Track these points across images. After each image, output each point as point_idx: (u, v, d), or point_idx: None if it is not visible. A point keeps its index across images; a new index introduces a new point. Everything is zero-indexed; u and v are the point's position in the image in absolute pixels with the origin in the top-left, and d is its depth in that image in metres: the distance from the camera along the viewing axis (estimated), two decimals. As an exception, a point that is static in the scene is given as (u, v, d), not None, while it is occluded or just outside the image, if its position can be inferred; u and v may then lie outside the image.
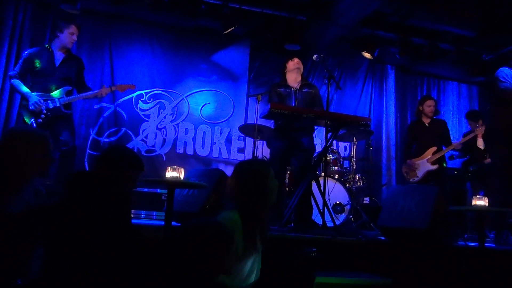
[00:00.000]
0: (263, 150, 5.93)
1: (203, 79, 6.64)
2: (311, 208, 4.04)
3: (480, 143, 5.29)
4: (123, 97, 6.20)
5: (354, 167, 5.36)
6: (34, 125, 4.04)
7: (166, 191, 2.87)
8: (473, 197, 3.27)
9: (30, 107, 4.04)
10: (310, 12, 6.10)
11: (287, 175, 4.94)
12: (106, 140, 6.10)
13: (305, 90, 4.38)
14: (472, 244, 3.89)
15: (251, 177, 2.14)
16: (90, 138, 6.03)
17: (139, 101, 6.32)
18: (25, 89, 4.12)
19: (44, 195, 2.24)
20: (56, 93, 4.18)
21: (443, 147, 5.27)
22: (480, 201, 3.26)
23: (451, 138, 5.49)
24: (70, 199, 2.05)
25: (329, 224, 3.97)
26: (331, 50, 6.85)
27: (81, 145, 5.87)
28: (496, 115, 4.39)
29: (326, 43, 6.59)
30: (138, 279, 1.98)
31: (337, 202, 4.89)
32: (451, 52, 6.69)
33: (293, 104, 4.27)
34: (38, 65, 4.18)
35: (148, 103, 6.36)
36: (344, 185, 5.00)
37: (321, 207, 3.82)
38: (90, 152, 5.99)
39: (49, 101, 4.12)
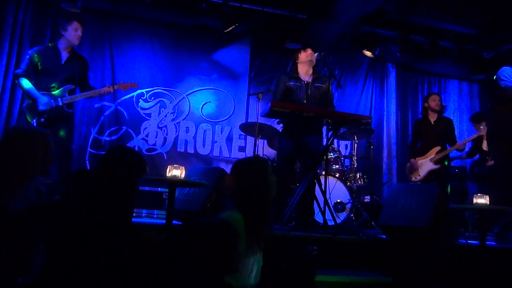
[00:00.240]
0: (264, 149, 5.93)
1: (204, 77, 6.64)
2: (313, 206, 4.03)
3: (485, 145, 5.29)
4: (124, 96, 6.20)
5: (355, 166, 5.36)
6: (35, 124, 4.04)
7: (167, 190, 2.88)
8: (474, 195, 3.27)
9: (41, 107, 4.04)
10: (310, 10, 6.09)
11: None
12: (107, 139, 6.10)
13: (317, 84, 4.29)
14: (473, 242, 3.89)
15: (249, 174, 2.14)
16: (91, 137, 6.04)
17: (140, 99, 6.32)
18: (32, 88, 4.11)
19: (44, 194, 2.24)
20: (57, 92, 4.18)
21: (448, 146, 5.26)
22: (481, 199, 3.26)
23: (456, 136, 5.46)
24: (72, 197, 2.05)
25: (330, 222, 3.97)
26: (332, 48, 6.84)
27: (82, 143, 5.88)
28: (497, 114, 4.42)
29: (327, 41, 6.58)
30: (140, 279, 1.98)
31: (338, 200, 4.89)
32: (452, 50, 6.68)
33: (303, 98, 4.19)
34: (43, 64, 4.18)
35: (149, 101, 6.36)
36: (345, 184, 5.00)
37: (322, 205, 3.82)
38: (91, 150, 5.99)
39: (52, 100, 4.12)
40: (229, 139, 6.61)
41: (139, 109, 6.31)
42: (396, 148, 7.25)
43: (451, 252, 3.44)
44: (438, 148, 5.21)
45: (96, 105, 6.11)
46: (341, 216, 4.83)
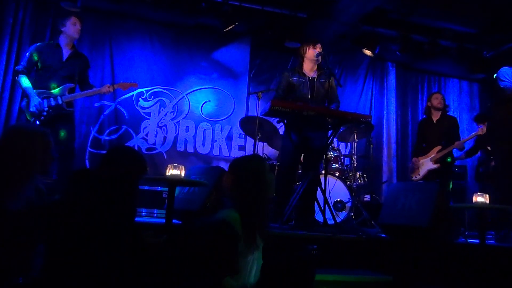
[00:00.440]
0: (264, 148, 5.93)
1: (203, 76, 6.64)
2: (313, 206, 4.03)
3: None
4: (123, 95, 6.20)
5: (355, 165, 5.36)
6: (38, 122, 4.04)
7: (167, 189, 2.88)
8: (474, 194, 3.27)
9: (31, 109, 4.04)
10: (310, 9, 6.09)
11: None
12: (107, 138, 6.10)
13: (322, 80, 4.23)
14: (473, 241, 3.90)
15: (247, 173, 2.13)
16: (91, 136, 6.03)
17: (140, 99, 6.32)
18: (29, 87, 4.10)
19: (44, 193, 2.24)
20: (56, 90, 4.17)
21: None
22: (481, 198, 3.26)
23: (460, 135, 5.42)
24: (72, 197, 2.05)
25: (330, 221, 3.97)
26: (331, 48, 6.83)
27: (81, 143, 5.88)
28: (497, 114, 4.45)
29: (327, 40, 6.57)
30: (140, 279, 1.98)
31: (338, 199, 4.89)
32: (452, 49, 6.68)
33: (307, 94, 4.14)
34: (43, 61, 4.18)
35: (148, 101, 6.36)
36: (345, 183, 5.00)
37: (322, 205, 3.82)
38: (90, 150, 5.99)
39: (51, 98, 4.11)
40: (229, 138, 6.61)
41: (138, 108, 6.31)
42: (396, 147, 7.25)
43: (451, 251, 3.44)
44: (439, 147, 5.20)
45: (96, 104, 6.11)
46: (341, 215, 4.83)
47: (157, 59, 6.48)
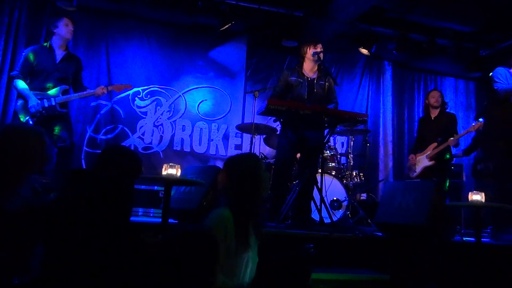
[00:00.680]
0: (260, 147, 5.93)
1: (200, 75, 6.63)
2: (310, 205, 4.03)
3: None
4: (120, 94, 6.19)
5: (351, 163, 5.36)
6: (31, 122, 4.04)
7: (163, 188, 2.87)
8: (470, 192, 3.27)
9: (31, 110, 4.04)
10: (307, 8, 6.09)
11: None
12: (103, 137, 6.09)
13: (321, 82, 4.20)
14: (469, 239, 3.91)
15: (241, 172, 2.12)
16: (87, 136, 6.02)
17: (136, 98, 6.30)
18: (25, 88, 4.11)
19: (40, 193, 2.23)
20: (52, 92, 4.18)
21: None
22: (476, 196, 3.26)
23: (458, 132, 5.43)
24: (68, 196, 2.04)
25: (327, 220, 3.97)
26: (328, 46, 6.82)
27: (77, 142, 5.83)
28: (493, 113, 4.47)
29: (324, 39, 6.57)
30: (138, 279, 1.97)
31: (335, 198, 4.90)
32: (448, 47, 6.69)
33: (305, 95, 4.13)
34: (38, 63, 4.19)
35: (145, 100, 6.34)
36: (341, 181, 5.00)
37: (318, 203, 3.82)
38: (86, 149, 5.98)
39: (44, 100, 4.12)
40: (226, 137, 6.61)
41: (135, 107, 6.29)
42: (392, 146, 7.26)
43: (448, 249, 3.44)
44: (435, 144, 5.21)
45: (92, 104, 6.10)
46: (338, 214, 4.84)
47: (154, 58, 6.47)
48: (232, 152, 6.54)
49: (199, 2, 5.69)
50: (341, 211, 4.86)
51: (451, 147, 5.22)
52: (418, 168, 5.25)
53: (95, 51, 6.21)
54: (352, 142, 5.46)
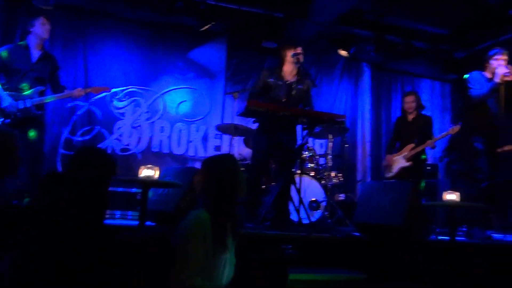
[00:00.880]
0: (240, 148, 5.92)
1: (179, 76, 6.58)
2: (288, 206, 4.04)
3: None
4: (97, 95, 6.07)
5: (330, 164, 5.40)
6: (6, 122, 3.94)
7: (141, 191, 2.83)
8: (444, 192, 3.33)
9: (5, 110, 3.95)
10: (287, 10, 6.11)
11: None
12: (80, 139, 5.99)
13: (300, 86, 4.20)
14: (444, 238, 3.98)
15: (219, 173, 2.12)
16: (63, 137, 5.91)
17: (114, 99, 6.22)
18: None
19: (12, 196, 2.19)
20: (28, 93, 4.08)
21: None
22: (451, 196, 3.33)
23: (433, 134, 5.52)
24: (41, 201, 2.01)
25: (306, 221, 3.99)
26: (308, 48, 6.86)
27: (53, 144, 5.76)
28: (467, 117, 4.60)
29: (303, 40, 6.61)
30: (113, 280, 1.95)
31: (313, 199, 4.91)
32: (425, 50, 6.82)
33: (282, 97, 4.13)
34: (13, 63, 4.08)
35: (123, 101, 6.27)
36: (320, 182, 5.03)
37: (297, 204, 3.84)
38: (62, 151, 5.86)
39: (20, 101, 4.02)
40: (205, 139, 6.57)
41: (113, 108, 6.21)
42: (370, 146, 7.35)
43: (424, 248, 3.50)
44: (412, 145, 5.30)
45: (68, 105, 5.99)
46: (316, 215, 4.86)
47: (132, 59, 6.39)
48: (211, 153, 6.51)
49: (178, 2, 5.65)
50: (319, 212, 4.89)
51: (426, 148, 5.32)
52: (395, 169, 5.33)
53: (72, 50, 6.10)
54: (330, 143, 5.50)
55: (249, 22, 6.22)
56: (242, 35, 6.58)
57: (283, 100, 4.13)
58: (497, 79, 4.10)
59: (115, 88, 6.17)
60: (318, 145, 6.79)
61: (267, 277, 2.19)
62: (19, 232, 1.91)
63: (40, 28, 4.19)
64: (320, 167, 5.42)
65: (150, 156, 6.20)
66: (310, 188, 4.83)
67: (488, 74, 4.35)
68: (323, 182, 5.11)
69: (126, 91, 6.29)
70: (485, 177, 4.25)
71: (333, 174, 5.40)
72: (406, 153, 5.28)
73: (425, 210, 4.10)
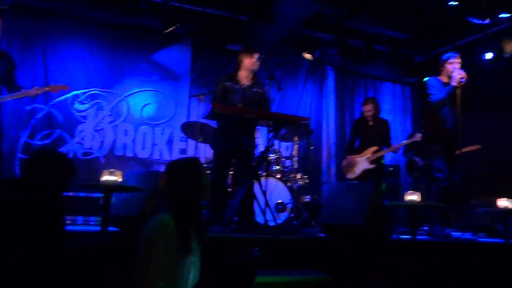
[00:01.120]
0: (205, 151, 5.88)
1: (143, 78, 6.48)
2: (253, 208, 4.05)
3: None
4: (57, 98, 5.91)
5: (296, 166, 5.44)
6: None
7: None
8: (405, 192, 3.43)
9: None
10: (251, 13, 6.14)
11: (230, 176, 4.91)
12: (39, 143, 5.79)
13: (255, 89, 4.26)
14: (405, 237, 4.09)
15: (184, 176, 2.09)
16: (21, 141, 5.70)
17: (75, 101, 6.05)
18: None
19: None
20: None
21: (384, 148, 5.48)
22: (412, 196, 3.42)
23: (391, 137, 5.68)
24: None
25: (272, 223, 4.00)
26: (272, 51, 6.92)
27: (11, 148, 5.54)
28: (427, 121, 4.77)
29: (268, 43, 6.65)
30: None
31: (279, 201, 4.94)
32: (386, 53, 7.02)
33: (239, 102, 4.16)
34: None
35: (84, 103, 6.11)
36: (285, 184, 5.06)
37: (263, 206, 3.85)
38: (21, 156, 5.65)
39: None
40: (170, 142, 6.50)
41: (74, 111, 6.04)
42: (335, 148, 7.47)
43: (386, 247, 3.58)
44: (375, 148, 5.41)
45: (27, 107, 5.79)
46: (282, 217, 4.88)
47: (94, 60, 6.25)
48: (177, 156, 6.44)
49: (141, 3, 5.57)
50: (285, 214, 4.92)
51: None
52: (358, 170, 5.43)
53: (31, 51, 5.91)
54: (296, 146, 5.55)
55: (213, 24, 6.21)
56: (207, 38, 6.56)
57: (239, 105, 4.15)
58: (453, 83, 4.23)
59: (77, 90, 6.02)
60: (284, 148, 6.84)
61: (233, 280, 2.18)
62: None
63: None
64: (286, 169, 5.46)
65: (114, 160, 6.08)
66: (276, 190, 4.86)
67: (444, 79, 4.49)
68: (289, 184, 5.15)
69: (88, 93, 6.14)
70: (445, 178, 4.39)
71: (298, 176, 5.45)
72: (369, 155, 5.39)
73: (387, 210, 4.20)
